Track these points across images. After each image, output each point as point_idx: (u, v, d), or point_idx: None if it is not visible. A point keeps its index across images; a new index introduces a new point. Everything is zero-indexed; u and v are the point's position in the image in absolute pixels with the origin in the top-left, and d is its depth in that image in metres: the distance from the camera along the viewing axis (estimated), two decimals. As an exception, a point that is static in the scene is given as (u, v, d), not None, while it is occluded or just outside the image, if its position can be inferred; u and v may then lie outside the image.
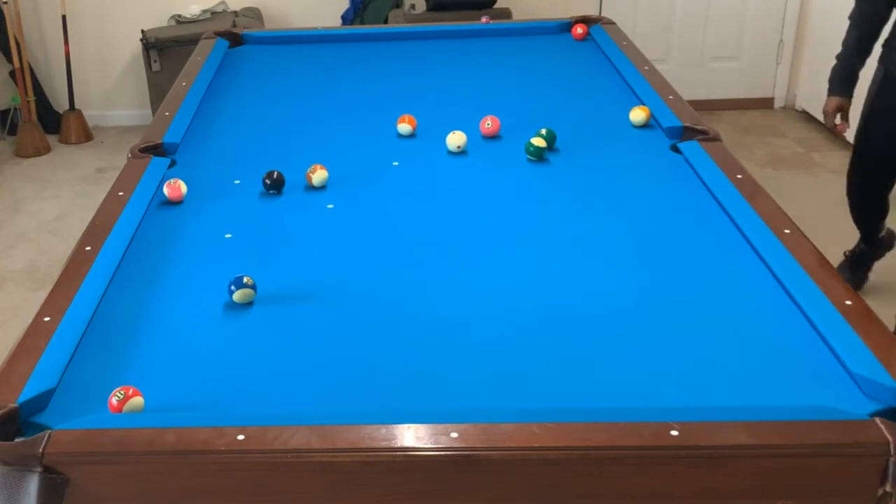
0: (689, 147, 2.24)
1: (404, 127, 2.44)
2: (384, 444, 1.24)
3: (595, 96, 2.72)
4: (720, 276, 1.73)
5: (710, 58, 5.11)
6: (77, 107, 5.01)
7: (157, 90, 4.58)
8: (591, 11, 4.45)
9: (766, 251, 1.74)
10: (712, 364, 1.47)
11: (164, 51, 4.64)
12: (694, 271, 1.75)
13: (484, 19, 3.48)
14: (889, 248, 3.31)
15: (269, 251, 1.87)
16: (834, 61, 2.97)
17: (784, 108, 5.13)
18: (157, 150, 2.31)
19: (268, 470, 1.24)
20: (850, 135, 3.16)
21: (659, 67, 2.88)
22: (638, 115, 2.45)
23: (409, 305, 1.66)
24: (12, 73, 4.85)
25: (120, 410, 1.33)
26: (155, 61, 4.66)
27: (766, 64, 5.09)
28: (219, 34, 3.31)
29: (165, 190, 2.07)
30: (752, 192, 1.98)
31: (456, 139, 2.32)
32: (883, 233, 3.27)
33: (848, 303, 1.55)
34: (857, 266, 3.31)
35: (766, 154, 4.54)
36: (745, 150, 4.52)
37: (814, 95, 4.78)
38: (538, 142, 2.25)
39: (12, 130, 5.00)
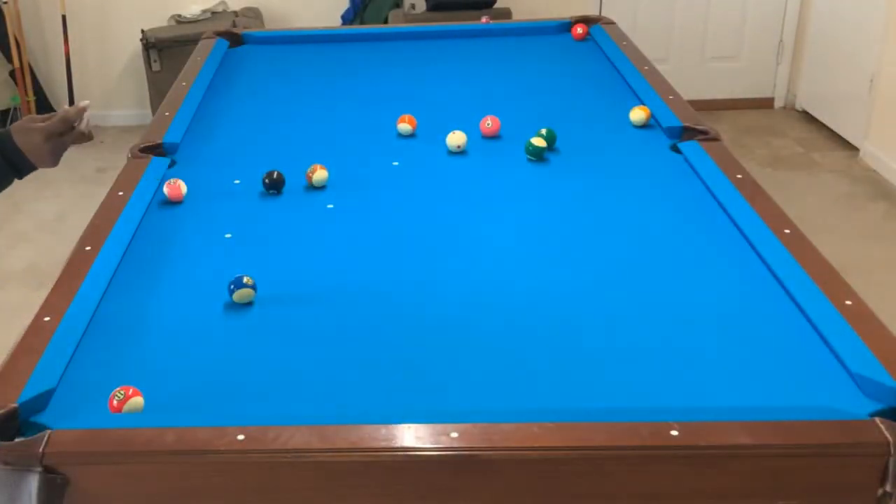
0: (689, 147, 2.24)
1: (404, 127, 2.43)
2: (384, 444, 1.24)
3: (595, 96, 2.72)
4: (720, 276, 1.73)
5: (710, 58, 5.11)
6: (77, 107, 5.00)
7: (157, 90, 4.58)
8: (591, 11, 4.44)
9: (766, 251, 1.74)
10: (712, 364, 1.46)
11: (164, 51, 4.64)
12: (694, 271, 1.74)
13: (484, 19, 3.48)
14: None
15: (269, 251, 1.87)
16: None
17: (784, 108, 5.12)
18: (157, 150, 2.31)
19: (268, 470, 1.24)
20: None
21: (659, 67, 2.87)
22: (638, 115, 2.45)
23: (410, 305, 1.66)
24: (12, 73, 4.85)
25: (120, 410, 1.33)
26: (155, 61, 4.67)
27: (766, 64, 5.09)
28: (219, 34, 3.31)
29: (165, 190, 2.07)
30: (752, 192, 1.97)
31: (456, 139, 2.32)
32: None
33: (848, 303, 1.55)
34: None
35: (766, 154, 4.53)
36: (745, 150, 4.51)
37: (814, 95, 4.78)
38: (538, 142, 2.25)
39: (12, 130, 4.99)
